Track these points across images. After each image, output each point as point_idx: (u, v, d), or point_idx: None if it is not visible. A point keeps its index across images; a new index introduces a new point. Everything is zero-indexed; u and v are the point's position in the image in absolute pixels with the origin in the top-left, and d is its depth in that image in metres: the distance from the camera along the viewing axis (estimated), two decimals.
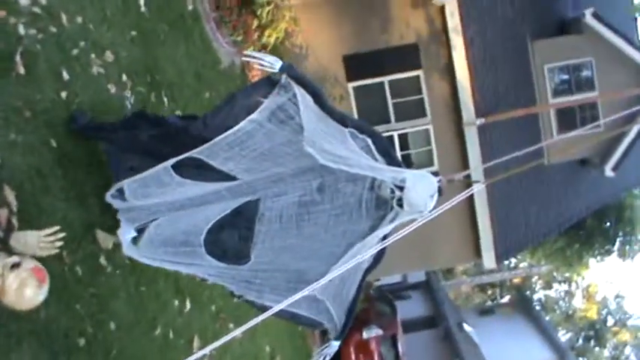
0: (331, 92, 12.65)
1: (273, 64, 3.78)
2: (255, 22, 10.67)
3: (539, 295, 41.05)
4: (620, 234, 26.82)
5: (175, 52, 7.80)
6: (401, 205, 3.92)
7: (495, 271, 33.83)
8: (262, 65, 3.81)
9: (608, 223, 26.15)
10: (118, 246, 4.86)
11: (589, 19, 13.78)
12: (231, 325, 7.84)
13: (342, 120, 3.92)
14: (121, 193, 4.51)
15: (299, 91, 3.80)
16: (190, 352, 6.46)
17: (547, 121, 14.23)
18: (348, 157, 3.85)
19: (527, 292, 37.08)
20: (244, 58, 4.05)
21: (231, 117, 3.94)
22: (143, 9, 6.99)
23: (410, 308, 22.55)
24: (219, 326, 7.57)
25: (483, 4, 13.62)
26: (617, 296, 39.54)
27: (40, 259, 3.26)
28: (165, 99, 6.99)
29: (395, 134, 13.60)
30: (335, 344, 4.77)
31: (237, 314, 8.17)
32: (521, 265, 38.70)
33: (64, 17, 5.06)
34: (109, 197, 4.62)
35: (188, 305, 6.67)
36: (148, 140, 4.36)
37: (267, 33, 10.91)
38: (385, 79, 13.70)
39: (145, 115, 4.49)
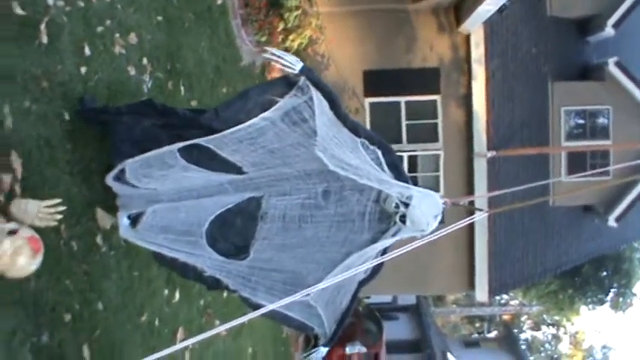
0: (347, 105, 12.68)
1: (293, 64, 3.75)
2: (282, 25, 10.69)
3: (527, 334, 41.02)
4: (615, 285, 26.80)
5: (198, 42, 7.81)
6: (404, 222, 3.91)
7: (486, 304, 33.85)
8: (282, 64, 3.79)
9: (604, 273, 26.13)
10: (115, 227, 4.83)
11: (612, 67, 13.78)
12: (217, 322, 7.82)
13: (355, 129, 3.90)
14: (122, 174, 4.48)
15: (316, 95, 3.77)
16: (173, 342, 6.45)
17: (557, 163, 14.21)
18: (358, 166, 3.84)
19: (515, 330, 37.01)
20: (265, 55, 4.02)
21: (244, 112, 3.90)
22: None
23: (396, 329, 22.51)
24: (206, 321, 7.55)
25: (509, 39, 13.65)
26: (604, 347, 39.44)
27: (37, 230, 3.26)
28: (182, 88, 6.99)
29: (405, 155, 13.59)
30: (323, 350, 4.75)
31: (224, 311, 8.16)
32: (513, 302, 38.65)
33: None
34: (109, 179, 4.59)
35: (177, 296, 6.65)
36: (151, 127, 4.34)
37: (291, 37, 10.93)
38: (402, 99, 13.73)
39: (153, 104, 4.45)
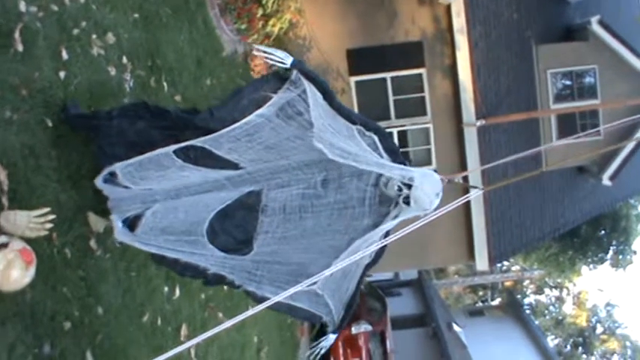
0: (333, 85, 12.63)
1: (283, 59, 3.74)
2: (260, 11, 10.62)
3: (530, 299, 41.22)
4: (614, 243, 26.90)
5: (177, 36, 7.74)
6: (407, 203, 3.95)
7: (487, 273, 33.94)
8: (273, 60, 3.77)
9: (602, 232, 26.22)
10: (109, 230, 4.81)
11: (595, 26, 13.74)
12: (220, 315, 7.81)
13: (350, 117, 3.92)
14: (112, 177, 4.43)
15: (309, 87, 3.77)
16: (178, 340, 6.43)
17: (547, 127, 14.20)
18: (357, 153, 3.87)
19: (518, 296, 37.15)
20: (255, 52, 4.03)
21: (239, 110, 3.90)
22: None
23: (400, 305, 22.56)
24: (208, 315, 7.53)
25: (490, 5, 13.59)
26: (607, 304, 39.64)
27: (28, 240, 3.22)
28: (164, 84, 6.93)
29: (394, 131, 13.57)
30: (332, 337, 4.76)
31: (226, 304, 8.14)
32: (514, 268, 38.77)
33: None
34: (99, 182, 4.54)
35: (177, 292, 6.62)
36: (145, 129, 4.30)
37: (271, 22, 10.86)
38: (388, 75, 13.68)
39: (147, 106, 4.42)
